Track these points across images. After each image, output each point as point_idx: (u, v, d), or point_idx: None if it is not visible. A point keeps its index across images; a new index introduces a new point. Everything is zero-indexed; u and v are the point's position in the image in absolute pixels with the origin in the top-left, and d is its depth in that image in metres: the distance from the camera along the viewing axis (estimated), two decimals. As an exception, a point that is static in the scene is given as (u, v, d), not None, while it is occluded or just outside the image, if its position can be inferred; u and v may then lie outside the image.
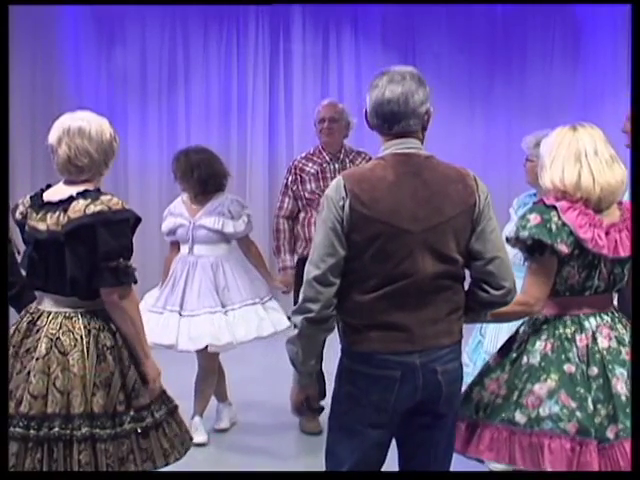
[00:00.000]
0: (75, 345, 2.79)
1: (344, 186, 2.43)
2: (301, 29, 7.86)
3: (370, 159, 4.67)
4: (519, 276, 3.75)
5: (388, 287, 2.42)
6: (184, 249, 4.62)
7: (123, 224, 2.79)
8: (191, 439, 3.14)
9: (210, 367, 4.61)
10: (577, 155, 2.72)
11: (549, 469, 2.59)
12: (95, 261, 2.74)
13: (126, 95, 7.61)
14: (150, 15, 7.55)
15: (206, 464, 4.34)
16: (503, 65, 8.06)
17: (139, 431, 2.84)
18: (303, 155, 4.91)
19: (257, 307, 4.56)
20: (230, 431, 4.79)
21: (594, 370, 2.68)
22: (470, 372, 3.94)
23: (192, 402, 4.59)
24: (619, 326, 2.77)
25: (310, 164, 4.80)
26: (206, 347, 4.45)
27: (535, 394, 2.67)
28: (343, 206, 2.41)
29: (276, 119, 7.90)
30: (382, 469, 2.62)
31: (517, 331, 2.88)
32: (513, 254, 3.83)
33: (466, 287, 2.58)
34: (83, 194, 2.79)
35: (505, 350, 2.85)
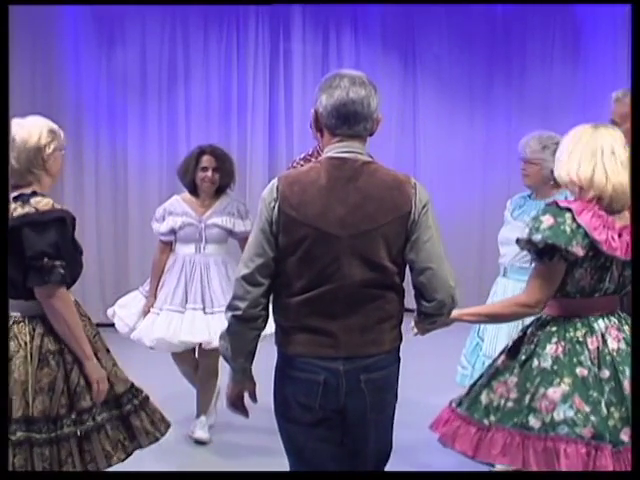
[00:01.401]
0: (19, 351, 2.83)
1: (277, 187, 2.45)
2: (301, 29, 7.87)
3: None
4: (520, 279, 3.78)
5: (314, 291, 2.43)
6: (188, 248, 4.62)
7: (51, 224, 2.82)
8: (160, 431, 3.13)
9: (214, 366, 4.64)
10: (594, 152, 2.71)
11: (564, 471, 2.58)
12: (25, 261, 2.79)
13: (126, 95, 7.61)
14: (150, 15, 7.55)
15: (205, 464, 4.35)
16: (503, 65, 8.06)
17: (79, 434, 2.86)
18: (302, 156, 4.91)
19: None
20: (228, 431, 4.78)
21: (606, 373, 2.67)
22: (469, 374, 3.95)
23: (189, 402, 4.60)
24: (626, 327, 2.76)
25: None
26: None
27: (549, 398, 2.65)
28: (274, 207, 2.43)
29: (276, 119, 7.90)
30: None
31: (525, 333, 2.85)
32: (512, 257, 3.85)
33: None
34: (16, 198, 2.86)
35: (513, 352, 2.82)
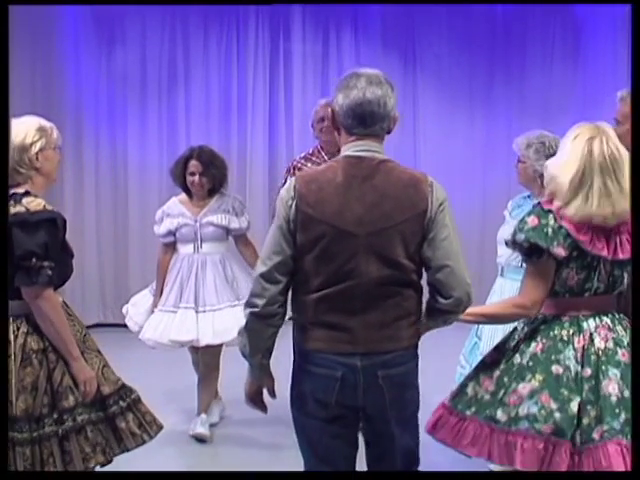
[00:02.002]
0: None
1: (294, 186, 2.48)
2: (301, 29, 7.86)
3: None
4: (516, 279, 3.78)
5: (332, 288, 2.46)
6: (187, 248, 4.68)
7: (41, 225, 2.81)
8: (149, 433, 3.10)
9: (214, 364, 4.68)
10: (581, 184, 2.69)
11: (520, 468, 2.61)
12: (13, 261, 2.78)
13: (126, 95, 7.61)
14: (150, 15, 7.55)
15: (204, 464, 4.35)
16: (503, 65, 8.06)
17: (60, 434, 2.85)
18: (302, 155, 4.92)
19: None
20: (227, 429, 4.80)
21: (587, 371, 2.69)
22: (467, 373, 3.96)
23: (187, 400, 4.60)
24: (619, 328, 2.77)
25: (309, 164, 4.80)
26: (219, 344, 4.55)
27: (517, 393, 2.70)
28: (291, 206, 2.46)
29: (276, 119, 7.90)
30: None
31: (515, 330, 2.88)
32: (508, 256, 3.86)
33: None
34: (10, 197, 2.86)
35: (502, 349, 2.87)
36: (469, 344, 4.07)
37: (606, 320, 2.77)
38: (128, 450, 3.04)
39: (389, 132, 2.56)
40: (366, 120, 2.49)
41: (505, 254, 3.90)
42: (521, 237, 2.72)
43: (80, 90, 7.51)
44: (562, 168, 2.74)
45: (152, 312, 4.65)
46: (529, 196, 4.01)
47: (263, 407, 2.76)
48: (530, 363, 2.73)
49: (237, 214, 4.71)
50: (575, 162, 2.72)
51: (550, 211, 2.71)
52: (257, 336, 2.54)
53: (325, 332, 2.48)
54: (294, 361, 2.61)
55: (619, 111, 3.75)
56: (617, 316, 2.81)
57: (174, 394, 5.05)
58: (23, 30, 6.97)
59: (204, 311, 4.54)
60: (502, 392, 2.74)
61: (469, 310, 2.82)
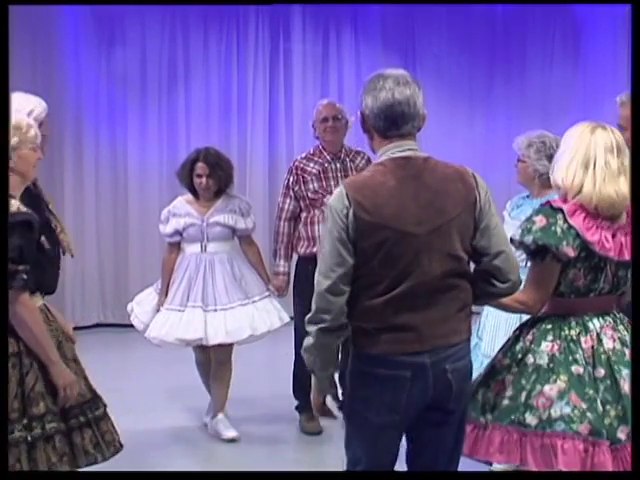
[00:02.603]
0: None
1: (347, 195, 2.46)
2: (301, 29, 7.87)
3: (369, 159, 4.68)
4: (522, 278, 3.78)
5: (397, 290, 2.45)
6: (193, 248, 4.68)
7: (15, 227, 2.70)
8: (104, 454, 2.99)
9: (227, 361, 4.69)
10: (586, 162, 2.72)
11: (564, 470, 2.58)
12: None
13: (126, 95, 7.61)
14: (150, 15, 7.55)
15: (204, 464, 4.35)
16: (503, 65, 8.07)
17: (29, 440, 2.76)
18: (303, 155, 4.91)
19: (271, 299, 4.73)
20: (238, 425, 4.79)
21: (601, 371, 2.68)
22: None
23: (188, 399, 4.60)
24: (621, 327, 2.78)
25: (311, 164, 4.80)
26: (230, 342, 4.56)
27: (545, 395, 2.66)
28: (347, 215, 2.44)
29: (276, 119, 7.90)
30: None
31: (520, 332, 2.86)
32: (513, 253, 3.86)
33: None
34: None
35: (510, 351, 2.84)
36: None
37: (609, 320, 2.77)
38: (79, 467, 2.91)
39: (419, 130, 2.58)
40: (397, 121, 2.50)
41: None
42: (529, 238, 2.70)
43: (80, 90, 7.50)
44: (568, 157, 2.75)
45: (157, 311, 4.64)
46: (528, 196, 4.01)
47: (332, 414, 2.77)
48: (550, 364, 2.70)
49: (243, 214, 4.72)
50: (579, 146, 2.74)
51: (560, 210, 2.70)
52: (328, 350, 2.54)
53: (392, 335, 2.47)
54: (353, 366, 2.57)
55: (621, 116, 3.75)
56: (618, 315, 2.81)
57: (175, 393, 5.05)
58: (23, 30, 6.97)
59: (215, 310, 4.54)
60: (524, 395, 2.70)
61: None
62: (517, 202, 4.06)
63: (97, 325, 7.50)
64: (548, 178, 3.82)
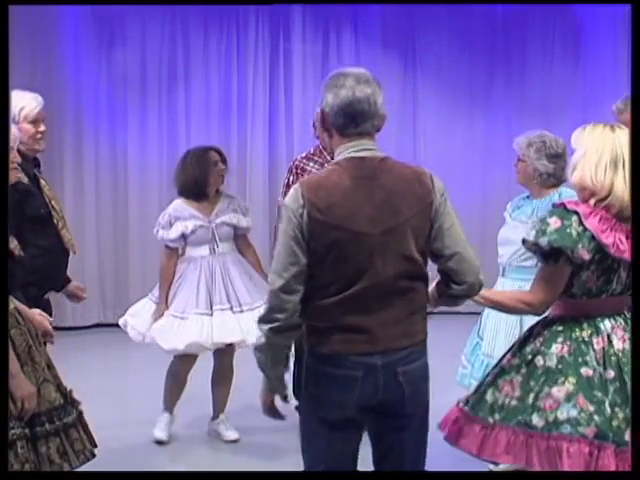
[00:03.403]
0: None
1: (302, 194, 2.46)
2: (301, 29, 7.86)
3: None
4: (517, 278, 3.78)
5: (349, 290, 2.45)
6: (201, 250, 4.59)
7: None
8: (70, 463, 2.91)
9: (231, 364, 4.69)
10: (615, 161, 2.68)
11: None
12: None
13: (126, 95, 7.60)
14: (150, 15, 7.54)
15: (204, 464, 4.34)
16: (503, 65, 8.07)
17: None
18: (304, 155, 4.91)
19: None
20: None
21: (611, 373, 2.66)
22: (468, 373, 3.97)
23: (190, 399, 4.59)
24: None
25: (311, 163, 4.79)
26: (230, 345, 4.53)
27: (553, 397, 2.65)
28: (302, 214, 2.44)
29: (276, 119, 7.89)
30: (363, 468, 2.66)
31: (531, 332, 2.84)
32: (509, 256, 3.86)
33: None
34: None
35: (519, 351, 2.82)
36: (470, 344, 4.07)
37: (620, 320, 2.75)
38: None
39: (378, 130, 2.56)
40: (357, 119, 2.49)
41: (506, 254, 3.90)
42: (544, 240, 2.66)
43: (80, 90, 7.50)
44: (594, 157, 2.70)
45: (154, 320, 4.52)
46: (528, 197, 4.01)
47: (280, 415, 2.76)
48: (559, 366, 2.68)
49: (243, 213, 4.72)
50: (604, 145, 2.70)
51: (575, 212, 2.66)
52: (279, 350, 2.55)
53: (344, 335, 2.48)
54: (307, 364, 2.59)
55: (622, 122, 3.74)
56: (627, 316, 2.79)
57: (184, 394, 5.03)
58: (23, 30, 6.97)
59: (241, 311, 4.50)
60: (532, 396, 2.68)
61: (480, 292, 2.82)
62: (517, 203, 4.06)
63: (97, 325, 7.50)
64: (548, 178, 3.85)
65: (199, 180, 4.59)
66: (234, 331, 4.45)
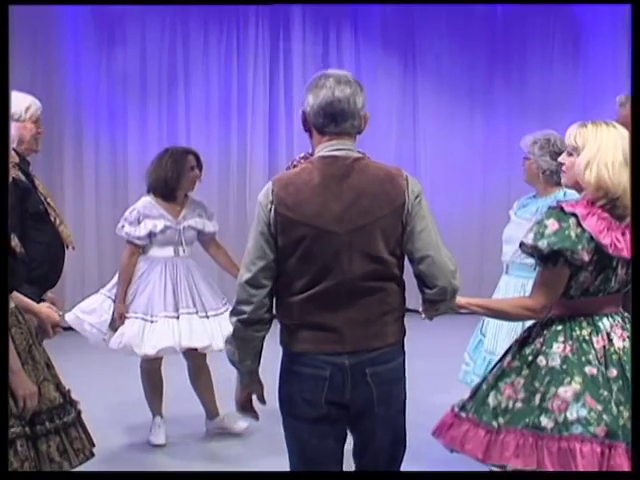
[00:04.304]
0: None
1: (272, 190, 2.49)
2: (301, 29, 7.87)
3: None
4: (521, 276, 3.78)
5: (316, 288, 2.47)
6: (165, 251, 4.56)
7: None
8: (70, 462, 2.91)
9: (204, 364, 4.67)
10: (627, 159, 2.67)
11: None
12: None
13: (126, 95, 7.61)
14: (150, 15, 7.55)
15: (204, 463, 4.34)
16: (503, 65, 8.07)
17: None
18: (302, 155, 4.89)
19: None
20: (226, 434, 4.79)
21: (613, 371, 2.65)
22: (470, 370, 3.97)
23: (188, 399, 4.58)
24: (629, 326, 2.75)
25: (309, 164, 4.79)
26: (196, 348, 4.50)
27: (560, 397, 2.63)
28: (270, 210, 2.46)
29: (276, 119, 7.90)
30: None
31: (530, 333, 2.83)
32: (512, 253, 3.86)
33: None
34: None
35: (519, 353, 2.80)
36: (473, 342, 4.07)
37: (618, 319, 2.74)
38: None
39: (360, 132, 2.56)
40: (336, 118, 2.50)
41: (509, 252, 3.91)
42: (543, 243, 2.64)
43: (80, 90, 7.50)
44: (609, 155, 2.68)
45: (119, 319, 4.45)
46: (534, 196, 4.01)
47: (254, 414, 2.75)
48: (564, 366, 2.66)
49: (209, 218, 4.69)
50: (615, 143, 2.69)
51: (573, 214, 2.65)
52: (246, 343, 2.56)
53: (312, 333, 2.50)
54: (282, 363, 2.61)
55: (621, 116, 3.76)
56: (625, 315, 2.79)
57: (174, 393, 5.03)
58: (23, 30, 6.97)
59: (207, 316, 4.50)
60: (538, 398, 2.66)
61: (478, 301, 2.81)
62: (523, 202, 4.07)
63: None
64: (552, 175, 3.85)
65: (170, 182, 4.55)
66: (201, 336, 4.45)
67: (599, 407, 2.60)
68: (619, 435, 2.57)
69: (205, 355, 4.64)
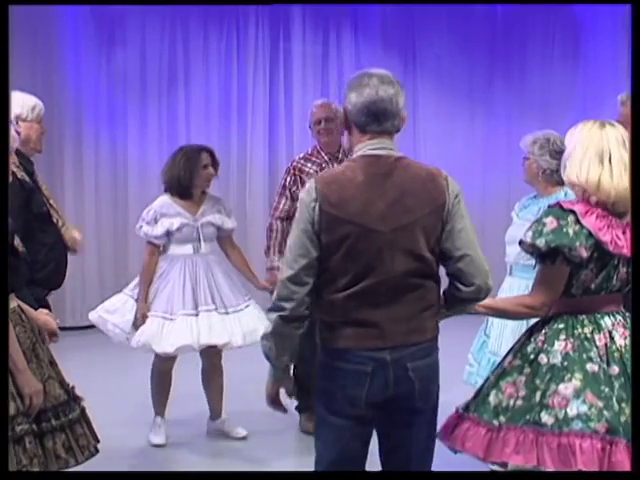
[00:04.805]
0: None
1: (315, 188, 2.51)
2: (301, 29, 7.87)
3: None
4: (525, 277, 3.78)
5: (359, 285, 2.49)
6: (184, 249, 4.56)
7: None
8: (76, 458, 2.94)
9: (219, 364, 4.68)
10: (601, 156, 2.70)
11: (583, 469, 2.55)
12: None
13: (126, 95, 7.61)
14: (150, 15, 7.55)
15: (205, 464, 4.34)
16: (503, 65, 8.07)
17: None
18: (301, 155, 4.90)
19: (253, 301, 4.69)
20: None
21: (615, 369, 2.66)
22: (475, 372, 3.97)
23: (189, 398, 4.59)
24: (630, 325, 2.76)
25: (309, 164, 4.79)
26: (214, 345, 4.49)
27: (561, 394, 2.63)
28: (314, 208, 2.48)
29: (276, 119, 7.90)
30: (370, 467, 2.66)
31: (531, 333, 2.84)
32: (516, 255, 3.86)
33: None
34: None
35: (520, 352, 2.81)
36: (477, 342, 4.07)
37: (619, 317, 2.75)
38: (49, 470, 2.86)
39: (397, 131, 2.61)
40: (379, 117, 2.54)
41: (513, 253, 3.90)
42: (541, 241, 2.67)
43: (80, 90, 7.50)
44: (580, 152, 2.72)
45: (141, 318, 4.45)
46: (535, 196, 4.02)
47: (283, 408, 2.78)
48: (565, 363, 2.67)
49: (228, 214, 4.70)
50: (590, 140, 2.72)
51: (572, 212, 2.67)
52: (284, 339, 2.56)
53: (354, 329, 2.51)
54: (320, 360, 2.62)
55: (622, 114, 3.76)
56: (626, 314, 2.79)
57: (174, 393, 5.03)
58: (23, 30, 6.97)
59: (226, 312, 4.49)
60: (539, 395, 2.67)
61: (482, 302, 2.82)
62: (525, 203, 4.06)
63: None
64: (552, 175, 3.85)
65: (183, 181, 4.57)
66: (220, 333, 4.44)
67: (600, 403, 2.60)
68: (620, 431, 2.57)
69: (220, 355, 4.64)
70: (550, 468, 2.60)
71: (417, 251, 2.50)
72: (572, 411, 2.61)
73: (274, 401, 2.73)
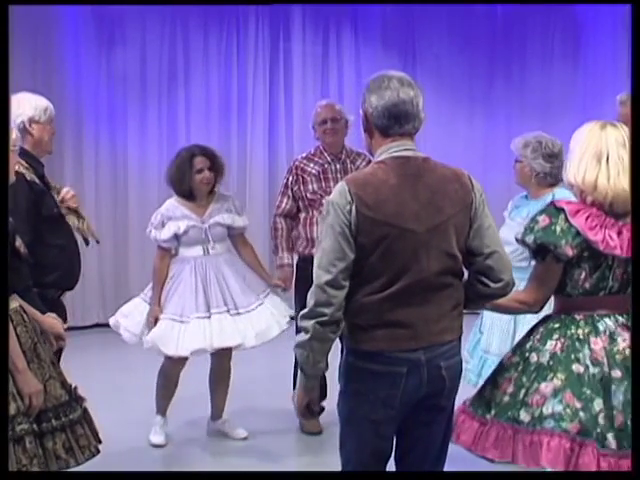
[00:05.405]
0: None
1: (349, 191, 2.50)
2: (301, 29, 7.86)
3: (369, 161, 4.68)
4: (519, 277, 3.79)
5: (394, 287, 2.49)
6: (194, 251, 4.55)
7: None
8: (76, 459, 2.94)
9: (228, 366, 4.68)
10: (599, 157, 2.72)
11: (547, 467, 2.58)
12: None
13: (126, 95, 7.60)
14: (150, 15, 7.54)
15: (205, 464, 4.35)
16: (503, 65, 8.07)
17: None
18: (304, 155, 4.90)
19: (272, 296, 4.66)
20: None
21: (617, 373, 2.67)
22: (470, 368, 3.99)
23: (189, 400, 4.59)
24: None
25: (311, 164, 4.79)
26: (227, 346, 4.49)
27: (540, 393, 2.68)
28: (350, 210, 2.48)
29: (276, 119, 7.90)
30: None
31: (532, 330, 2.86)
32: (510, 252, 3.87)
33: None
34: None
35: (519, 349, 2.85)
36: (473, 340, 4.09)
37: (622, 320, 2.76)
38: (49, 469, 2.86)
39: (416, 132, 2.62)
40: (401, 120, 2.55)
41: (507, 250, 3.92)
42: (530, 237, 2.74)
43: (80, 90, 7.49)
44: (578, 153, 2.75)
45: (153, 321, 4.46)
46: (527, 196, 4.03)
47: (315, 414, 2.80)
48: (550, 362, 2.71)
49: (239, 213, 4.68)
50: (589, 141, 2.74)
51: (562, 210, 2.71)
52: (323, 345, 2.52)
53: (387, 331, 2.51)
54: (347, 362, 2.60)
55: (621, 114, 3.76)
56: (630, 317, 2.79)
57: (177, 394, 5.04)
58: (23, 30, 6.96)
59: (238, 313, 4.47)
60: (523, 392, 2.71)
61: None
62: (516, 203, 4.09)
63: (97, 325, 7.49)
64: (545, 177, 3.88)
65: (176, 183, 4.58)
66: (233, 335, 4.43)
67: (577, 404, 2.62)
68: (592, 434, 2.59)
69: (230, 356, 4.63)
70: (521, 464, 2.66)
71: (450, 250, 2.53)
72: (547, 410, 2.65)
73: (305, 413, 2.68)
